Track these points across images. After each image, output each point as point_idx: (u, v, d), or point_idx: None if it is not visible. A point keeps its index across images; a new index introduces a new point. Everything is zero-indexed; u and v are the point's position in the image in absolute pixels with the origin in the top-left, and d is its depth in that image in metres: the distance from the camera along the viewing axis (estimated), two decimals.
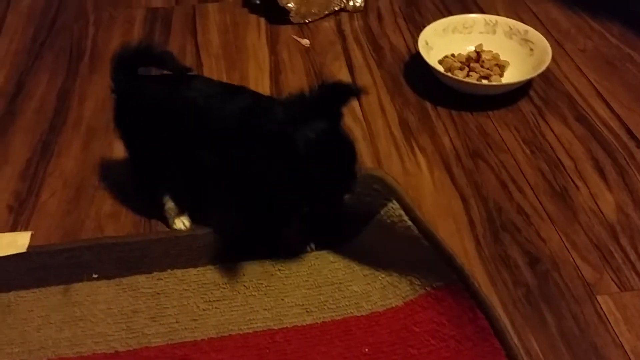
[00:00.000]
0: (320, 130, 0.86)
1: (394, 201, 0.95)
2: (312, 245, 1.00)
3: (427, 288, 0.90)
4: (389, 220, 0.95)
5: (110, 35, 1.51)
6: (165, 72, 0.99)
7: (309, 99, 0.88)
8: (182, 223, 1.04)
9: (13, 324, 0.90)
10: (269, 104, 0.93)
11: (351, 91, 0.96)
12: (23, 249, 1.00)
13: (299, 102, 0.89)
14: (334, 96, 0.89)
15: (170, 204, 1.03)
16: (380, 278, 0.94)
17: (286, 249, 0.99)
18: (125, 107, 1.00)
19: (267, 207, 0.94)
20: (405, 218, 0.93)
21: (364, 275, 0.95)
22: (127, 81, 0.99)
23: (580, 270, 0.97)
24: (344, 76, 1.39)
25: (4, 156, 1.19)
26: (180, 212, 1.04)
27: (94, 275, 0.96)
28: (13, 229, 1.05)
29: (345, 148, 0.89)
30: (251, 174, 0.87)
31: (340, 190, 0.90)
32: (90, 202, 1.08)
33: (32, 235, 1.03)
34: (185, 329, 0.89)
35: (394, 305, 0.90)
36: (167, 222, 1.04)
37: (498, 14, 1.47)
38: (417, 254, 0.92)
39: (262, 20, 1.57)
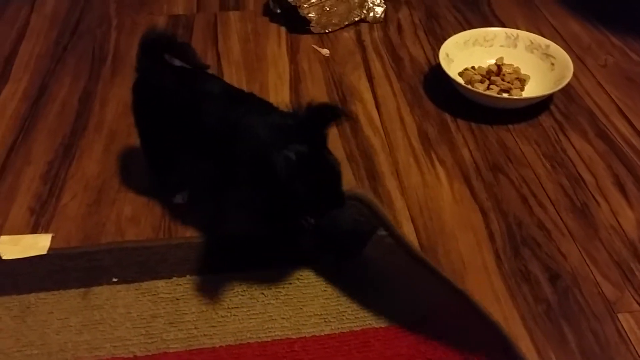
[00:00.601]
0: (301, 152, 0.85)
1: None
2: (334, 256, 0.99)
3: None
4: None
5: (132, 40, 1.53)
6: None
7: (295, 119, 0.89)
8: (181, 198, 1.07)
9: (33, 326, 0.91)
10: (257, 120, 0.91)
11: (337, 114, 0.92)
12: (43, 251, 1.01)
13: (287, 122, 0.89)
14: (319, 118, 0.89)
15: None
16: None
17: (305, 256, 0.99)
18: (143, 88, 1.03)
19: (268, 216, 0.94)
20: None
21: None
22: (150, 63, 1.02)
23: (600, 287, 0.97)
24: (363, 86, 1.39)
25: (26, 158, 1.20)
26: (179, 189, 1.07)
27: (114, 279, 0.96)
28: (34, 230, 1.05)
29: (328, 168, 0.89)
30: (238, 188, 0.91)
31: (324, 207, 0.91)
32: (111, 206, 1.09)
33: (52, 237, 1.03)
34: (204, 335, 0.89)
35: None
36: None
37: (518, 28, 1.47)
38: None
39: (283, 29, 1.58)
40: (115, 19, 1.61)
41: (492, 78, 1.33)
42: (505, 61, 1.38)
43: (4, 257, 1.00)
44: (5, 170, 1.17)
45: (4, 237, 1.04)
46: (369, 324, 0.90)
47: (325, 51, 1.51)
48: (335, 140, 1.24)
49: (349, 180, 1.14)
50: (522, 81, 1.34)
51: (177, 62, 1.03)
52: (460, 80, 1.31)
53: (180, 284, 0.96)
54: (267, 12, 1.63)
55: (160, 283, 0.96)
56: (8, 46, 1.51)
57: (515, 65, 1.38)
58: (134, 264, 0.98)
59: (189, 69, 1.02)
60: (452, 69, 1.33)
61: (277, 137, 0.87)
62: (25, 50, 1.50)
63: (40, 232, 1.05)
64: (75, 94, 1.36)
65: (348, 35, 1.57)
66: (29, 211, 1.09)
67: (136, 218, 1.07)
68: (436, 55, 1.46)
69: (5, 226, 1.06)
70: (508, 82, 1.33)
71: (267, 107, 0.97)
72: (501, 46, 1.41)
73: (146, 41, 1.03)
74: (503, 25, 1.55)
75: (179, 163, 1.04)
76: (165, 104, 1.00)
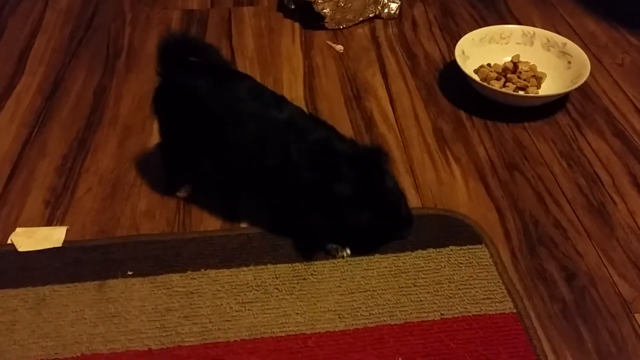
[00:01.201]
0: (364, 183, 0.90)
1: (482, 246, 0.99)
2: (348, 251, 0.99)
3: (475, 311, 0.90)
4: (457, 257, 0.98)
5: (146, 35, 1.53)
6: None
7: (356, 152, 0.94)
8: (184, 192, 1.08)
9: (48, 318, 0.91)
10: (319, 142, 0.94)
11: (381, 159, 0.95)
12: (58, 244, 1.01)
13: (346, 152, 0.93)
14: (374, 160, 0.93)
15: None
16: (417, 293, 0.93)
17: (318, 249, 0.99)
18: (167, 92, 1.02)
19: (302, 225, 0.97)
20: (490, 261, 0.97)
21: (399, 286, 0.94)
22: (175, 67, 1.01)
23: (617, 287, 0.96)
24: (377, 83, 1.39)
25: (41, 151, 1.21)
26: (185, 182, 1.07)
27: (129, 272, 0.96)
28: (49, 223, 1.06)
29: (392, 199, 0.94)
30: (290, 207, 0.94)
31: (387, 237, 0.98)
32: (126, 200, 1.09)
33: (67, 230, 1.04)
34: (219, 329, 0.89)
35: (430, 319, 0.89)
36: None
37: (534, 26, 1.46)
38: (471, 280, 0.94)
39: (297, 25, 1.58)
40: (130, 14, 1.61)
41: (508, 75, 1.32)
42: (522, 59, 1.37)
43: (19, 249, 1.01)
44: (20, 163, 1.18)
45: (19, 229, 1.04)
46: (384, 320, 0.90)
47: (339, 47, 1.50)
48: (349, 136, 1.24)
49: None
50: (538, 79, 1.33)
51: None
52: (476, 78, 1.30)
53: (194, 278, 0.96)
54: (281, 7, 1.63)
55: (175, 277, 0.96)
56: (23, 40, 1.52)
57: (531, 63, 1.37)
58: (149, 258, 0.98)
59: (220, 69, 1.01)
60: (468, 66, 1.32)
61: (341, 166, 0.91)
62: (40, 44, 1.51)
63: (55, 225, 1.05)
64: (90, 88, 1.36)
65: (362, 31, 1.56)
66: (44, 204, 1.09)
67: (151, 212, 1.07)
68: (451, 52, 1.45)
69: (20, 218, 1.07)
70: (524, 80, 1.31)
71: (314, 125, 0.97)
72: (517, 44, 1.40)
73: (168, 44, 1.01)
74: (519, 23, 1.53)
75: (199, 165, 1.03)
76: (197, 108, 0.97)
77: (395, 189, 0.95)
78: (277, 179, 0.94)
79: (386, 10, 1.59)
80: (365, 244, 0.98)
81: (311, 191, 0.91)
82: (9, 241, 1.02)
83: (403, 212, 0.96)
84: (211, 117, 0.97)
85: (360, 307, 0.92)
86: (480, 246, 0.99)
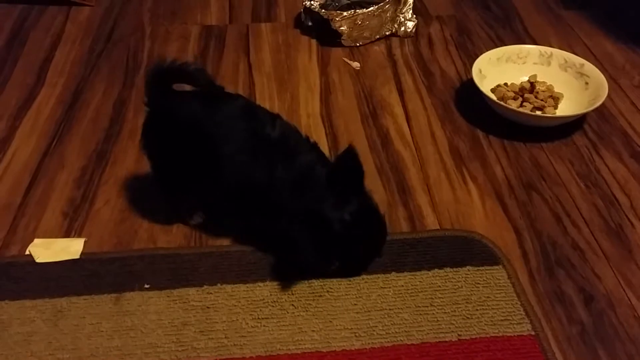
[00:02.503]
0: (354, 210, 0.91)
1: (500, 267, 0.99)
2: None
3: (492, 332, 0.90)
4: (474, 277, 0.98)
5: (165, 49, 1.55)
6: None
7: (334, 175, 0.93)
8: (198, 218, 1.06)
9: (64, 330, 0.91)
10: (306, 169, 0.94)
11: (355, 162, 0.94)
12: (76, 256, 1.02)
13: (329, 177, 0.93)
14: (347, 168, 0.93)
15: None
16: (434, 313, 0.93)
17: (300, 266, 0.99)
18: (157, 120, 1.01)
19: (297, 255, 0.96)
20: (507, 282, 0.96)
21: (416, 305, 0.94)
22: (162, 97, 1.00)
23: (636, 310, 0.95)
24: (394, 100, 1.39)
25: (60, 162, 1.22)
26: (195, 209, 1.06)
27: (146, 286, 0.97)
28: (67, 235, 1.06)
29: (377, 223, 0.96)
30: (281, 239, 0.94)
31: (369, 257, 0.98)
32: (144, 213, 1.09)
33: (85, 242, 1.04)
34: (234, 345, 0.89)
35: (447, 340, 0.89)
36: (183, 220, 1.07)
37: (551, 46, 1.46)
38: (489, 301, 0.94)
39: (314, 42, 1.59)
40: (149, 28, 1.63)
41: (526, 95, 1.32)
42: (539, 79, 1.37)
43: (37, 260, 1.01)
44: (39, 173, 1.19)
45: (37, 240, 1.05)
46: (400, 340, 0.89)
47: (355, 64, 1.51)
48: (365, 154, 1.24)
49: (379, 193, 1.14)
50: (555, 99, 1.33)
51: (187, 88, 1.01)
52: (493, 97, 1.30)
53: (211, 293, 0.96)
54: (299, 24, 1.64)
55: (192, 291, 0.96)
56: (43, 52, 1.54)
57: (548, 83, 1.37)
58: (166, 271, 0.99)
59: (204, 95, 1.00)
60: (485, 85, 1.32)
61: (324, 195, 0.91)
62: (60, 57, 1.53)
63: (73, 237, 1.06)
64: (109, 101, 1.38)
65: (379, 49, 1.57)
66: (62, 215, 1.10)
67: (168, 225, 1.07)
68: (467, 71, 1.46)
69: (38, 229, 1.07)
70: (541, 100, 1.31)
71: (299, 148, 0.97)
72: (534, 64, 1.40)
73: (155, 73, 1.00)
74: (535, 43, 1.54)
75: (196, 192, 1.03)
76: (184, 136, 0.97)
77: (376, 210, 0.96)
78: (262, 197, 0.94)
79: (403, 29, 1.60)
80: (349, 267, 0.98)
81: (292, 212, 0.91)
82: (27, 252, 1.03)
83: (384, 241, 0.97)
84: (204, 139, 0.96)
85: (376, 326, 0.91)
86: (497, 267, 0.99)
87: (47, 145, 1.26)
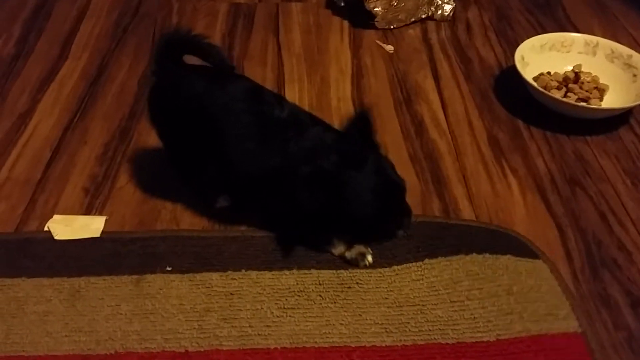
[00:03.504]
0: (368, 172, 0.87)
1: (541, 262, 0.92)
2: (370, 258, 0.93)
3: (533, 330, 0.84)
4: (516, 266, 0.91)
5: (193, 26, 1.49)
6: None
7: (347, 135, 0.90)
8: (224, 201, 1.01)
9: (82, 311, 0.87)
10: (315, 137, 0.91)
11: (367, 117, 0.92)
12: (97, 234, 0.98)
13: (343, 139, 0.89)
14: (358, 129, 0.90)
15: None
16: (471, 308, 0.87)
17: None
18: (163, 93, 0.98)
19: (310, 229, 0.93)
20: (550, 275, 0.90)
21: (451, 301, 0.88)
22: (170, 67, 0.96)
23: None
24: (429, 86, 1.33)
25: (82, 138, 1.18)
26: (219, 192, 1.01)
27: (168, 268, 0.92)
28: (87, 212, 1.03)
29: (394, 187, 0.89)
30: (293, 208, 0.88)
31: (391, 229, 0.92)
32: (168, 193, 1.05)
33: (106, 220, 1.00)
34: (259, 334, 0.85)
35: (484, 340, 0.83)
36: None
37: (594, 35, 1.39)
38: (532, 293, 0.88)
39: (346, 23, 1.53)
40: (177, 4, 1.58)
41: (570, 86, 1.25)
42: (584, 69, 1.30)
43: (55, 237, 0.98)
44: (60, 149, 1.15)
45: (57, 217, 1.01)
46: (434, 338, 0.84)
47: (389, 47, 1.45)
48: (398, 141, 1.19)
49: (412, 182, 1.09)
50: (601, 91, 1.26)
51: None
52: (536, 86, 1.23)
53: (235, 278, 0.91)
54: (330, 5, 1.58)
55: (215, 275, 0.92)
56: (69, 24, 1.50)
57: (593, 74, 1.30)
58: (189, 254, 0.94)
59: (213, 71, 0.96)
60: (527, 73, 1.25)
61: (340, 157, 0.87)
62: (85, 30, 1.49)
63: (94, 214, 1.02)
64: (135, 77, 1.33)
65: (414, 32, 1.51)
66: (83, 191, 1.06)
67: (192, 207, 1.03)
68: (507, 58, 1.39)
69: (58, 205, 1.04)
70: (586, 91, 1.24)
71: (309, 122, 0.94)
72: (579, 53, 1.33)
73: (166, 41, 0.96)
74: (578, 32, 1.46)
75: (211, 169, 0.97)
76: (187, 114, 0.94)
77: (396, 179, 0.90)
78: (277, 177, 0.90)
79: (439, 12, 1.53)
80: (365, 238, 0.93)
81: (308, 186, 0.86)
82: (45, 228, 0.99)
83: (404, 204, 0.91)
84: (208, 119, 0.92)
85: (408, 322, 0.86)
86: (539, 261, 0.93)
87: (69, 120, 1.22)
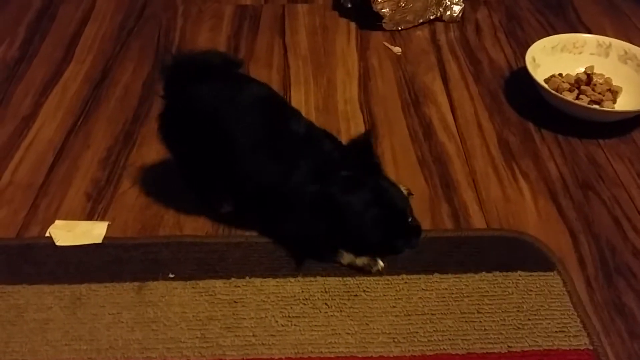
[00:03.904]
0: (369, 192, 0.87)
1: (554, 273, 0.90)
2: (381, 264, 0.91)
3: (546, 345, 0.81)
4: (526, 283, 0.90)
5: (198, 29, 1.48)
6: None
7: (346, 155, 0.91)
8: (228, 206, 1.00)
9: (83, 319, 0.85)
10: (324, 155, 0.91)
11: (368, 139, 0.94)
12: (98, 240, 0.96)
13: (347, 161, 0.90)
14: (360, 147, 0.91)
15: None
16: (482, 320, 0.85)
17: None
18: (174, 115, 0.97)
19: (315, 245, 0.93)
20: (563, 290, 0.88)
21: (461, 312, 0.86)
22: (179, 90, 0.95)
23: None
24: (437, 88, 1.31)
25: (85, 142, 1.16)
26: (224, 197, 1.00)
27: (170, 275, 0.90)
28: (89, 217, 1.01)
29: (396, 206, 0.89)
30: (298, 225, 0.89)
31: (396, 247, 0.91)
32: (171, 198, 1.03)
33: (108, 226, 0.99)
34: (262, 344, 0.82)
35: (495, 352, 0.81)
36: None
37: (606, 36, 1.36)
38: (543, 310, 0.86)
39: (353, 24, 1.51)
40: (182, 6, 1.57)
41: (582, 88, 1.22)
42: (596, 70, 1.27)
43: (57, 243, 0.96)
44: (63, 152, 1.14)
45: (59, 222, 1.00)
46: (443, 349, 0.82)
47: (397, 49, 1.42)
48: (406, 144, 1.17)
49: (420, 186, 1.06)
50: (614, 93, 1.23)
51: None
52: (548, 88, 1.21)
53: (238, 286, 0.89)
54: (337, 6, 1.56)
55: (218, 283, 0.90)
56: (73, 27, 1.49)
57: (606, 76, 1.27)
58: (192, 260, 0.93)
59: (224, 81, 0.96)
60: (538, 74, 1.22)
61: (342, 177, 0.88)
62: (89, 32, 1.47)
63: (96, 220, 1.00)
64: (139, 80, 1.32)
65: (422, 33, 1.48)
66: (85, 196, 1.05)
67: (195, 212, 1.01)
68: (518, 60, 1.36)
69: (60, 210, 1.02)
70: (599, 93, 1.21)
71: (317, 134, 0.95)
72: (591, 54, 1.30)
73: (172, 68, 0.96)
74: (589, 32, 1.43)
75: (220, 180, 0.97)
76: (202, 130, 0.93)
77: (400, 197, 0.92)
78: (284, 193, 0.90)
79: (448, 13, 1.51)
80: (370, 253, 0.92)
81: (313, 202, 0.87)
82: (47, 234, 0.98)
83: (410, 222, 0.90)
84: (222, 132, 0.92)
85: (417, 332, 0.84)
86: (551, 273, 0.90)
87: (72, 123, 1.21)
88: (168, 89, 0.97)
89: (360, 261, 0.91)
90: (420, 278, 0.91)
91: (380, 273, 0.91)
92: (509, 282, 0.89)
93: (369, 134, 0.92)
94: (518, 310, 0.86)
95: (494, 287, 0.89)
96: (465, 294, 0.88)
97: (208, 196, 1.02)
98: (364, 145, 0.91)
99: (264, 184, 0.91)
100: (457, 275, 0.91)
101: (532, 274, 0.90)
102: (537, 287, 0.88)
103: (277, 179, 0.90)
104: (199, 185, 1.01)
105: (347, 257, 0.92)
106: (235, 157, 0.92)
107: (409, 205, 0.92)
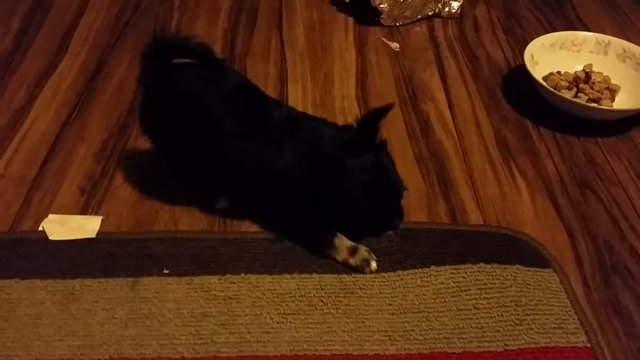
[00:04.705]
0: (368, 163, 0.88)
1: (551, 270, 0.90)
2: (374, 265, 0.90)
3: (544, 342, 0.81)
4: (524, 277, 0.89)
5: (194, 22, 1.47)
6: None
7: (353, 131, 0.91)
8: (224, 202, 0.99)
9: (76, 314, 0.84)
10: (313, 127, 0.93)
11: (381, 113, 0.92)
12: (92, 235, 0.95)
13: (345, 133, 0.91)
14: (370, 122, 0.90)
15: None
16: (478, 317, 0.84)
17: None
18: (155, 97, 0.96)
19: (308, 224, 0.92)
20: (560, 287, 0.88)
21: (457, 309, 0.85)
22: (159, 74, 0.94)
23: None
24: (435, 85, 1.30)
25: (80, 135, 1.15)
26: (218, 192, 0.99)
27: (165, 271, 0.89)
28: (83, 212, 1.00)
29: (392, 184, 0.90)
30: (291, 198, 0.89)
31: (380, 226, 0.92)
32: (166, 193, 1.02)
33: (102, 220, 0.97)
34: (257, 341, 0.82)
35: (492, 350, 0.80)
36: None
37: (605, 34, 1.35)
38: (541, 305, 0.85)
39: (351, 20, 1.50)
40: None
41: (581, 86, 1.22)
42: (595, 69, 1.27)
43: (50, 237, 0.95)
44: (57, 145, 1.13)
45: (52, 216, 0.99)
46: (440, 347, 0.81)
47: (395, 45, 1.42)
48: (403, 141, 1.16)
49: (418, 183, 1.06)
50: (612, 91, 1.23)
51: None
52: (546, 85, 1.20)
53: (234, 282, 0.89)
54: (335, 1, 1.55)
55: (213, 279, 0.89)
56: (68, 19, 1.47)
57: (605, 74, 1.26)
58: (187, 256, 0.92)
59: (204, 69, 0.95)
60: (537, 72, 1.22)
61: (341, 147, 0.88)
62: (85, 24, 1.46)
63: (90, 214, 0.99)
64: (134, 73, 1.27)
65: (420, 29, 1.47)
66: (79, 190, 1.04)
67: (191, 207, 1.00)
68: (516, 57, 1.36)
69: (53, 204, 1.01)
70: (597, 92, 1.21)
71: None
72: (590, 52, 1.30)
73: (155, 48, 0.95)
74: (588, 30, 1.43)
75: (209, 170, 0.96)
76: (183, 117, 0.92)
77: (397, 177, 0.92)
78: (274, 176, 0.90)
79: (447, 9, 1.50)
80: (353, 231, 0.92)
81: (313, 166, 0.87)
82: (40, 228, 0.96)
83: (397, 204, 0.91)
84: (205, 119, 0.91)
85: (413, 330, 0.83)
86: (548, 270, 0.90)
87: (67, 115, 1.19)
88: (147, 69, 0.96)
89: (354, 260, 0.90)
90: (416, 273, 0.90)
91: (372, 273, 0.90)
92: (508, 275, 0.88)
93: (380, 113, 0.90)
94: (516, 305, 0.85)
95: (493, 279, 0.88)
96: (462, 288, 0.87)
97: (199, 191, 1.00)
98: (369, 121, 0.91)
99: (253, 166, 0.91)
100: (454, 267, 0.90)
101: (530, 268, 0.90)
102: (535, 281, 0.88)
103: (268, 160, 0.90)
104: (190, 178, 0.99)
105: (341, 254, 0.91)
106: (221, 144, 0.91)
107: (403, 189, 0.92)
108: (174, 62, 0.95)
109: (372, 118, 0.91)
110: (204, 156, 0.93)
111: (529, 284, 0.87)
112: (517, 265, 0.90)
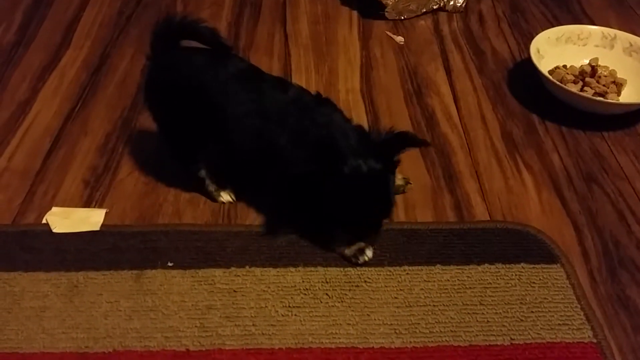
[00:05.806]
0: (370, 168, 0.85)
1: (558, 265, 0.89)
2: (369, 254, 0.90)
3: (549, 338, 0.81)
4: (529, 275, 0.88)
5: (198, 16, 1.44)
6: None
7: (371, 138, 0.89)
8: (228, 196, 0.99)
9: (80, 307, 0.84)
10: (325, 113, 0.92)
11: (414, 143, 0.92)
12: (96, 227, 0.95)
13: (359, 135, 0.89)
14: (395, 144, 0.89)
15: (208, 180, 0.99)
16: (484, 312, 0.84)
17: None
18: (161, 75, 0.97)
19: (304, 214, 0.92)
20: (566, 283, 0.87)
21: (463, 303, 0.85)
22: (167, 49, 0.96)
23: None
24: (440, 79, 1.29)
25: (83, 128, 1.15)
26: (222, 186, 0.99)
27: (169, 264, 0.89)
28: (87, 204, 0.99)
29: (383, 197, 0.88)
30: (291, 182, 0.88)
31: (357, 234, 0.91)
32: (170, 186, 1.02)
33: (106, 213, 0.97)
34: (262, 334, 0.81)
35: (498, 344, 0.80)
36: (211, 197, 1.00)
37: (611, 28, 1.34)
38: (546, 302, 0.85)
39: (355, 13, 1.49)
40: None
41: (586, 80, 1.21)
42: (600, 63, 1.26)
43: (54, 230, 0.95)
44: (60, 139, 1.12)
45: (56, 209, 0.98)
46: (446, 340, 0.81)
47: (399, 39, 1.41)
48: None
49: (423, 178, 1.05)
50: (618, 85, 1.22)
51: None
52: (552, 79, 1.19)
53: (238, 275, 0.88)
54: None
55: (218, 272, 0.88)
56: (71, 12, 1.46)
57: (611, 68, 1.25)
58: (191, 249, 0.91)
59: (211, 52, 0.95)
60: (542, 66, 1.21)
61: (350, 145, 0.87)
62: (88, 18, 1.45)
63: (94, 207, 0.99)
64: (138, 66, 1.30)
65: (425, 23, 1.47)
66: (83, 183, 1.03)
67: (195, 200, 0.99)
68: (522, 51, 1.35)
69: (57, 197, 1.01)
70: (603, 85, 1.20)
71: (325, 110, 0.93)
72: (596, 46, 1.29)
73: (163, 27, 0.96)
74: (593, 24, 1.41)
75: (209, 155, 0.96)
76: (186, 95, 0.93)
77: (388, 200, 0.90)
78: (275, 158, 0.90)
79: (452, 3, 1.49)
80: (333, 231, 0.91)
81: (315, 144, 0.87)
82: (44, 220, 0.96)
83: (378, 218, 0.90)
84: (208, 98, 0.92)
85: (419, 323, 0.83)
86: (555, 265, 0.89)
87: (70, 109, 1.19)
88: (155, 50, 0.97)
89: (349, 251, 0.90)
90: (422, 269, 0.90)
91: (366, 263, 0.89)
92: (512, 274, 0.88)
93: (414, 141, 0.91)
94: (521, 303, 0.85)
95: (497, 279, 0.88)
96: (467, 286, 0.87)
97: (187, 162, 0.99)
98: (397, 143, 0.89)
99: (256, 146, 0.90)
100: (459, 267, 0.90)
101: (536, 266, 0.89)
102: (540, 279, 0.87)
103: (269, 139, 0.89)
104: (179, 151, 0.99)
105: (340, 245, 0.91)
106: (223, 123, 0.91)
107: (390, 212, 0.91)
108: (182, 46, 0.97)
109: (405, 140, 0.90)
110: (204, 134, 0.93)
111: (534, 282, 0.87)
112: (521, 264, 0.89)
